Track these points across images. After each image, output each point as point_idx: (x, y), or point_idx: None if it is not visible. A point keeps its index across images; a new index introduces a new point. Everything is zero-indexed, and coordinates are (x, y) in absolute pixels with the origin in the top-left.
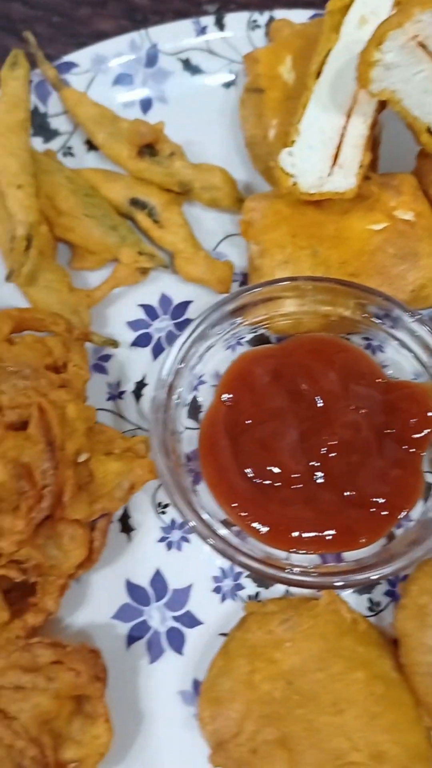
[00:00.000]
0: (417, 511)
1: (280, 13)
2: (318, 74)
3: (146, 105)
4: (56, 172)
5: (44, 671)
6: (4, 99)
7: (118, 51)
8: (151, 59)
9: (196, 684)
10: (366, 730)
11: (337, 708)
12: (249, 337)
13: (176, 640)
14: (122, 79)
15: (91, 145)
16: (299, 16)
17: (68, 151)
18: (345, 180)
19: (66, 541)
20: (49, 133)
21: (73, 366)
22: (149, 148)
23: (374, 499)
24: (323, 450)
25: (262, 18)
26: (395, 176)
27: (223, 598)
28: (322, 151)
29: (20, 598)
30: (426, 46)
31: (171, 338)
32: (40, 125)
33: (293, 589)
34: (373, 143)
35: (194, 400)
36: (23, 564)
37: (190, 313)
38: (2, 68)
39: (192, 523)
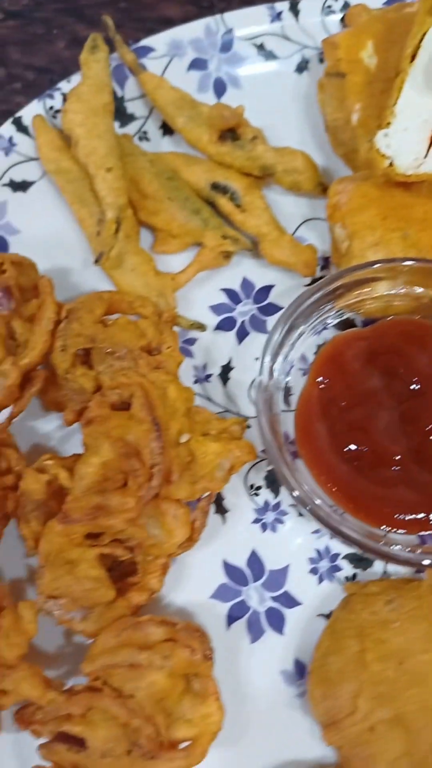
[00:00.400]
0: None
1: None
2: (413, 57)
3: (220, 90)
4: (139, 156)
5: (159, 649)
6: (88, 82)
7: (193, 36)
8: (226, 44)
9: (298, 664)
10: None
11: None
12: (334, 321)
13: (276, 620)
14: (197, 64)
15: (166, 130)
16: (374, 1)
17: (144, 136)
18: None
19: (169, 520)
20: (125, 118)
21: (166, 348)
22: (231, 132)
23: None
24: (421, 431)
25: (336, 4)
26: None
27: (320, 580)
28: (418, 133)
29: (119, 579)
30: None
31: (255, 322)
32: (116, 109)
33: (391, 570)
34: None
35: (286, 384)
36: (127, 543)
37: (273, 297)
38: (82, 53)
39: (296, 493)
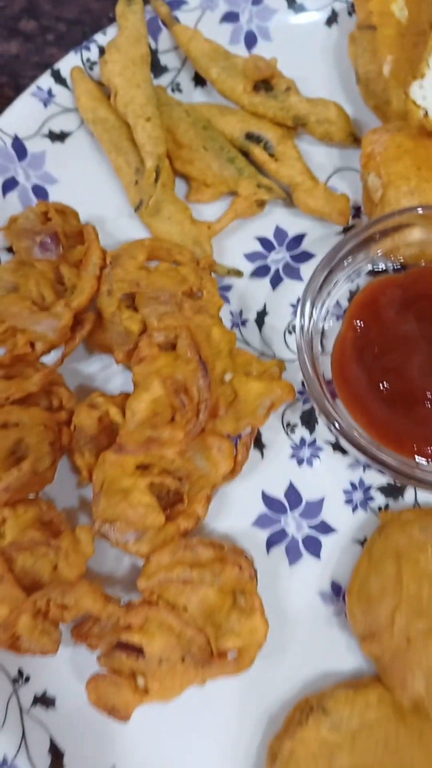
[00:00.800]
0: None
1: None
2: None
3: (251, 42)
4: (175, 106)
5: (210, 567)
6: (125, 33)
7: None
8: None
9: (335, 585)
10: None
11: None
12: (368, 268)
13: (313, 546)
14: (229, 17)
15: (198, 81)
16: None
17: (176, 87)
18: None
19: (214, 453)
20: (158, 70)
21: (207, 293)
22: (264, 83)
23: None
24: None
25: None
26: None
27: (355, 509)
28: None
29: (167, 507)
30: None
31: (288, 270)
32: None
33: (421, 500)
34: None
35: (322, 329)
36: (176, 474)
37: (306, 245)
38: (118, 5)
39: (337, 425)
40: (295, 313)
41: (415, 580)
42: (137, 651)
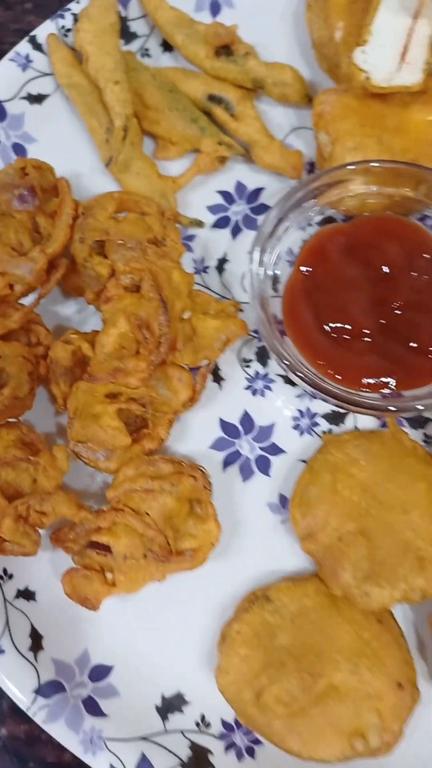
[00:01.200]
0: None
1: None
2: None
3: (215, 9)
4: (142, 70)
5: (169, 478)
6: (96, 3)
7: None
8: None
9: (282, 498)
10: (429, 525)
11: (404, 509)
12: (318, 218)
13: (263, 465)
14: None
15: (166, 47)
16: None
17: (145, 53)
18: (412, 75)
19: (175, 383)
20: (128, 36)
21: (170, 240)
22: (225, 48)
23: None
24: (390, 310)
25: None
26: None
27: (301, 433)
28: (392, 50)
29: (134, 431)
30: None
31: (247, 221)
32: (121, 29)
33: (360, 426)
34: None
35: (274, 274)
36: (140, 401)
37: (264, 198)
38: None
39: (285, 362)
40: None
41: (347, 489)
42: (106, 549)
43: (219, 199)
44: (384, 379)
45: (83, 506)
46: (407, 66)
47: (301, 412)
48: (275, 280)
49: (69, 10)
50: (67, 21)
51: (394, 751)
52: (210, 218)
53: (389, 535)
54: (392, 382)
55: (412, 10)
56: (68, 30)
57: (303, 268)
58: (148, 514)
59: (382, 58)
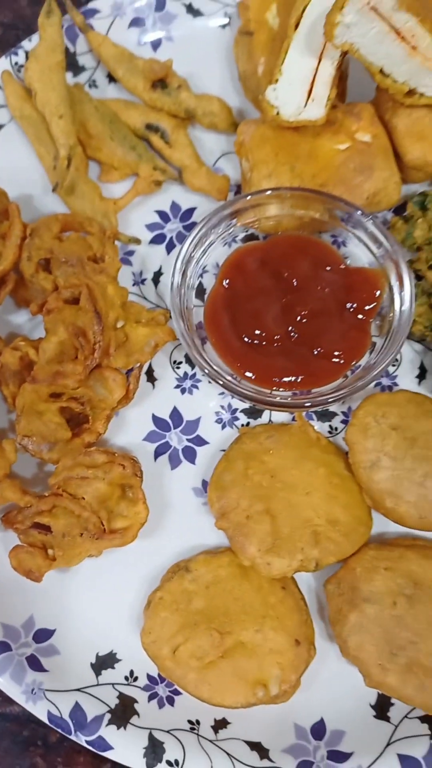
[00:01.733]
0: (364, 360)
1: None
2: (296, 25)
3: (156, 43)
4: (86, 103)
5: (101, 467)
6: (43, 43)
7: None
8: (160, 4)
9: (204, 483)
10: (326, 506)
11: (307, 491)
12: (242, 235)
13: (190, 455)
14: (136, 22)
15: (111, 78)
16: None
17: (93, 84)
18: (316, 110)
19: (110, 383)
20: (77, 69)
21: (108, 257)
22: (161, 81)
23: (334, 353)
24: (297, 318)
25: None
26: (357, 105)
27: (223, 427)
28: (299, 88)
29: (76, 427)
30: (377, 10)
31: (181, 238)
32: (69, 63)
33: (275, 419)
34: (342, 77)
35: (200, 284)
36: (80, 399)
37: (196, 217)
38: (39, 16)
39: (205, 368)
40: None
41: (257, 474)
42: (47, 529)
43: (156, 218)
44: (293, 379)
45: (28, 492)
46: (312, 102)
47: (222, 407)
48: (201, 290)
49: (22, 47)
50: (20, 57)
51: (291, 699)
52: (148, 235)
53: (291, 513)
54: (299, 380)
55: (317, 52)
56: (21, 65)
57: (224, 281)
58: (83, 498)
59: (291, 95)
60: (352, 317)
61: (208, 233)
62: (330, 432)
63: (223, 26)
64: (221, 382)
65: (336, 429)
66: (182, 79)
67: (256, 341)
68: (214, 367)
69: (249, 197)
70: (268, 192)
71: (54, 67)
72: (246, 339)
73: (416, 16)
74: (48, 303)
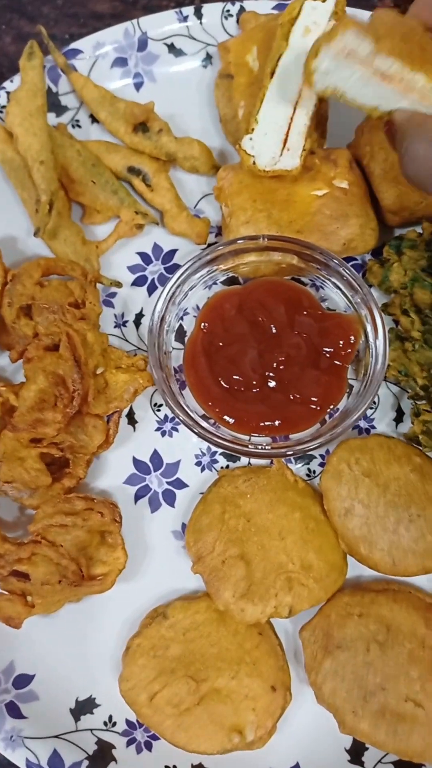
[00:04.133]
0: (342, 404)
1: (249, 5)
2: (272, 74)
3: (139, 84)
4: (68, 147)
5: (80, 514)
6: (25, 87)
7: (114, 38)
8: (142, 44)
9: (184, 526)
10: (300, 550)
11: (281, 536)
12: (222, 278)
13: (169, 498)
14: (118, 62)
15: (94, 119)
16: (264, 6)
17: (76, 124)
18: (292, 160)
19: (90, 429)
20: (60, 109)
21: (89, 303)
22: (142, 125)
23: (311, 398)
24: (274, 364)
25: (233, 8)
26: (334, 151)
27: (203, 469)
28: (275, 137)
29: (57, 471)
30: (354, 55)
31: (162, 279)
32: (52, 103)
33: (254, 462)
34: (321, 119)
35: (180, 327)
36: (60, 445)
37: (177, 259)
38: (21, 58)
39: (181, 417)
40: None
41: (234, 518)
42: (25, 576)
43: (138, 260)
44: (271, 424)
45: (7, 539)
46: (288, 151)
47: (202, 450)
48: (181, 332)
49: (4, 88)
50: (2, 99)
51: (267, 744)
52: (130, 277)
53: (265, 558)
54: (278, 425)
55: (292, 102)
56: (3, 106)
57: (202, 325)
58: (62, 545)
59: (267, 144)
60: (329, 362)
61: (189, 277)
62: (308, 475)
63: (205, 65)
64: (196, 431)
65: (314, 472)
66: (163, 122)
67: (234, 386)
68: (192, 414)
69: (228, 245)
70: (244, 240)
71: (35, 112)
72: (224, 384)
73: (401, 60)
74: (28, 351)
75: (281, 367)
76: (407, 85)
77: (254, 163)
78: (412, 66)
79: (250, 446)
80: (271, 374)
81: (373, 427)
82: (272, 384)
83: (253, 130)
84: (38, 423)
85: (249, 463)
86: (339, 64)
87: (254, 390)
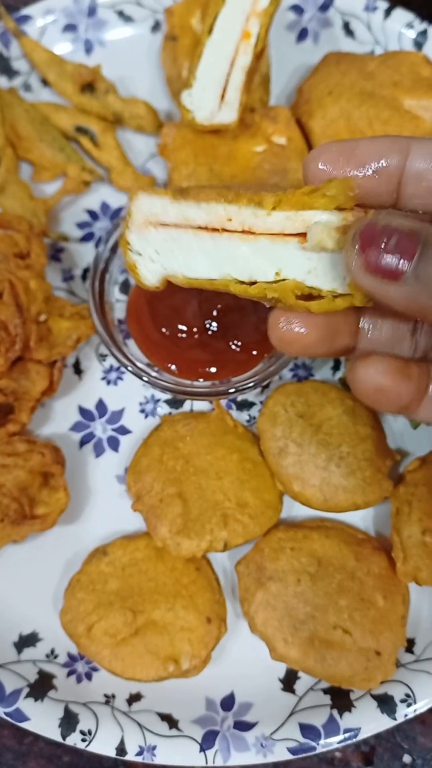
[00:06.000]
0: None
1: None
2: (209, 32)
3: (89, 48)
4: (17, 106)
5: (22, 455)
6: None
7: (64, 5)
8: (91, 11)
9: (126, 470)
10: (236, 489)
11: (219, 476)
12: None
13: (113, 444)
14: (68, 28)
15: (45, 82)
16: None
17: (27, 87)
18: (229, 114)
19: (33, 375)
20: (11, 73)
21: (34, 254)
22: (89, 86)
23: (250, 344)
24: (215, 312)
25: None
26: (273, 109)
27: (146, 416)
28: (213, 92)
29: (1, 418)
30: (158, 222)
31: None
32: (4, 67)
33: (196, 409)
34: (263, 80)
35: (126, 281)
36: (4, 390)
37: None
38: None
39: (129, 368)
40: None
41: (172, 460)
42: None
43: (86, 217)
44: (212, 370)
45: None
46: (225, 106)
47: (146, 398)
48: (126, 285)
49: None
50: None
51: (203, 673)
52: (79, 233)
53: (202, 497)
54: (218, 372)
55: (229, 58)
56: None
57: None
58: (4, 485)
59: (205, 99)
60: (267, 310)
61: None
62: (248, 421)
63: (153, 31)
64: (144, 378)
65: (254, 418)
66: (110, 83)
67: (175, 335)
68: (135, 363)
69: None
70: None
71: None
72: (166, 332)
73: (210, 200)
74: None
75: (221, 315)
76: (242, 227)
77: (193, 117)
78: (228, 200)
79: (191, 388)
80: (212, 322)
81: (312, 375)
82: (212, 331)
83: (191, 85)
84: None
85: (191, 410)
86: (149, 238)
87: (195, 337)
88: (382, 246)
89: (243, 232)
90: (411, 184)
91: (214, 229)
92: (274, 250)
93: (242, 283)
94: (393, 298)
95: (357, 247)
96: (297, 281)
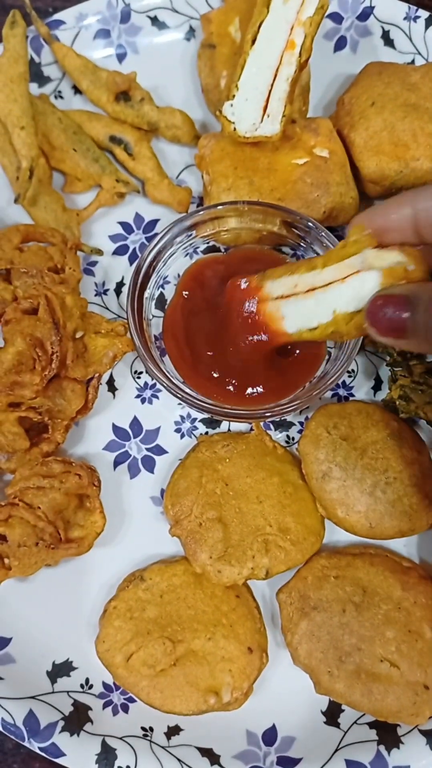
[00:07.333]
0: (320, 371)
1: None
2: (253, 42)
3: (121, 55)
4: (50, 114)
5: (58, 477)
6: (6, 54)
7: (97, 10)
8: (125, 16)
9: (163, 492)
10: (278, 514)
11: (259, 500)
12: (203, 247)
13: (148, 464)
14: (101, 34)
15: (77, 89)
16: None
17: (59, 95)
18: (272, 126)
19: (68, 393)
20: (43, 80)
21: (68, 268)
22: (124, 94)
23: (291, 366)
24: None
25: None
26: (315, 120)
27: (182, 436)
28: (255, 103)
29: (36, 437)
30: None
31: (143, 248)
32: (35, 73)
33: (234, 428)
34: (303, 91)
35: (161, 295)
36: (39, 409)
37: (158, 228)
38: (3, 27)
39: (163, 381)
40: None
41: (211, 483)
42: (2, 538)
43: (119, 229)
44: (249, 392)
45: None
46: (268, 118)
47: (182, 417)
48: (162, 300)
49: None
50: None
51: (244, 705)
52: (111, 246)
53: (243, 522)
54: (257, 392)
55: (273, 69)
56: None
57: (183, 293)
58: (39, 507)
59: (247, 110)
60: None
61: (169, 244)
62: (287, 442)
63: (188, 38)
64: (179, 396)
65: (293, 439)
66: (145, 91)
67: (212, 354)
68: (173, 380)
69: (208, 210)
70: (224, 206)
71: (16, 78)
72: (202, 352)
73: (283, 275)
74: (6, 313)
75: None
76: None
77: (235, 129)
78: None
79: (226, 410)
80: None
81: (352, 395)
82: (252, 354)
83: (233, 96)
84: (16, 385)
85: (228, 430)
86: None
87: (235, 358)
88: (383, 315)
89: (307, 291)
90: (423, 223)
91: (286, 296)
92: (328, 296)
93: (312, 330)
94: (405, 347)
95: (368, 322)
96: (345, 312)
